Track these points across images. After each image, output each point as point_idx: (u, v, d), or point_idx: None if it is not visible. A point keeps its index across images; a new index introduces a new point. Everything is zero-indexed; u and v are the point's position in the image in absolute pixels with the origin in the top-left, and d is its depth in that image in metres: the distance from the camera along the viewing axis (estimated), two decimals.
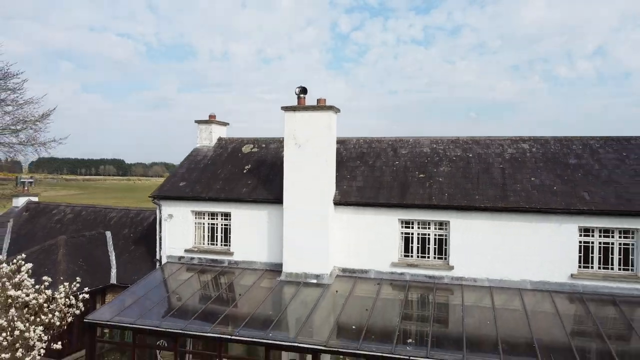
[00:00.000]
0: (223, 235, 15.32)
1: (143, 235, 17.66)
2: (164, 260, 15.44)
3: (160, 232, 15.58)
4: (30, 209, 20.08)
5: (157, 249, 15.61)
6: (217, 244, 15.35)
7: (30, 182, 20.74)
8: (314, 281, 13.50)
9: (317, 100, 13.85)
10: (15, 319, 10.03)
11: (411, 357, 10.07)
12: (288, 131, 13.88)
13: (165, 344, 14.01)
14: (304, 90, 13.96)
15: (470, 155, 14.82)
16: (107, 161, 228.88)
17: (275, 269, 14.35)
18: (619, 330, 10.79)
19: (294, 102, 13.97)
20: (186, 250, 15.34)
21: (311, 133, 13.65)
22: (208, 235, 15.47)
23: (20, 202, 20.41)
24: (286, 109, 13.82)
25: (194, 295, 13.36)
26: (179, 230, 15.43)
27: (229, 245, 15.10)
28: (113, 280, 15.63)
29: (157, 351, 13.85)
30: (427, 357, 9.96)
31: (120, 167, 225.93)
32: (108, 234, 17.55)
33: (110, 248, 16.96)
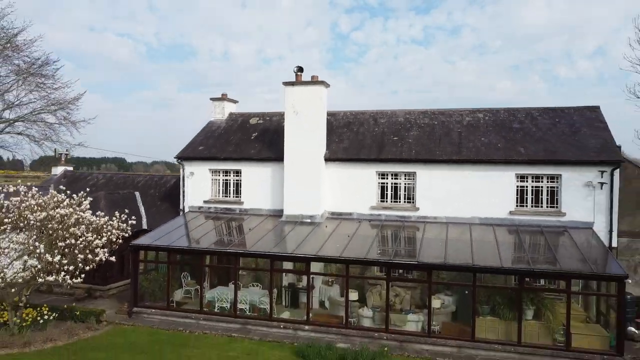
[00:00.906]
0: (234, 188, 19.03)
1: (166, 195, 21.38)
2: (186, 210, 19.16)
3: (183, 187, 19.31)
4: (68, 176, 23.81)
5: (181, 201, 19.34)
6: (229, 196, 19.07)
7: (66, 154, 24.47)
8: (308, 221, 17.18)
9: (311, 77, 17.55)
10: (86, 231, 13.77)
11: (379, 260, 13.80)
12: (288, 102, 17.60)
13: (189, 275, 17.76)
14: (300, 69, 17.67)
15: (436, 122, 18.52)
16: (109, 160, 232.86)
17: (277, 214, 18.03)
18: (543, 252, 14.41)
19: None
20: (204, 201, 19.05)
21: (306, 103, 17.37)
22: (222, 189, 19.19)
23: (58, 170, 24.16)
24: (286, 84, 17.55)
25: (212, 231, 17.09)
26: (198, 185, 19.15)
27: (240, 197, 18.81)
28: (144, 226, 19.29)
29: (183, 279, 17.51)
30: (391, 260, 13.69)
31: (122, 166, 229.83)
32: (137, 193, 21.24)
33: (140, 203, 20.65)
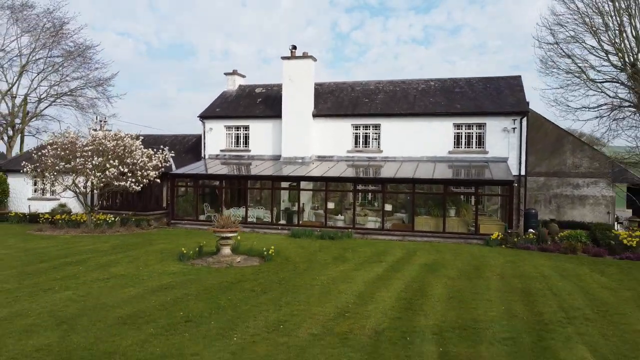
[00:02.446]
0: (244, 140, 25.40)
1: (189, 149, 27.74)
2: (206, 157, 25.54)
3: (204, 139, 25.69)
4: None
5: (202, 150, 25.72)
6: (240, 146, 25.44)
7: (106, 122, 30.83)
8: (300, 160, 23.53)
9: (303, 52, 23.96)
10: (141, 155, 20.18)
11: (349, 176, 20.17)
12: (285, 72, 23.97)
13: (209, 205, 24.07)
14: (294, 47, 24.08)
15: (398, 89, 24.89)
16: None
17: (277, 158, 24.36)
18: (465, 174, 20.73)
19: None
20: (220, 150, 25.42)
21: (299, 72, 23.74)
22: (234, 141, 25.56)
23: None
24: (284, 58, 23.95)
25: (227, 167, 23.48)
26: (216, 138, 25.51)
27: (248, 146, 25.17)
28: (173, 169, 25.64)
29: (205, 207, 23.81)
30: (357, 176, 20.06)
31: None
32: (166, 148, 27.59)
33: (168, 155, 26.99)
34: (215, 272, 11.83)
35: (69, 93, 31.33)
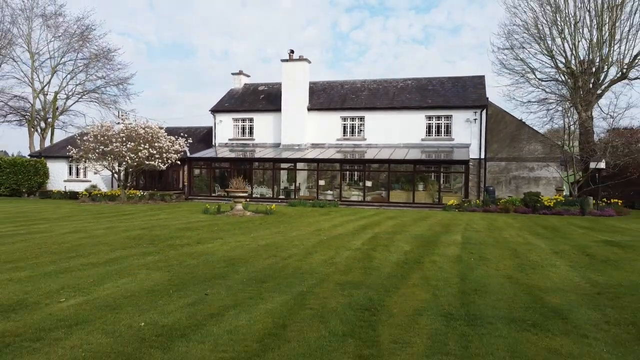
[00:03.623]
0: (249, 130, 30.37)
1: (201, 139, 32.71)
2: (216, 145, 30.50)
3: (214, 130, 30.66)
4: None
5: (213, 139, 30.70)
6: (245, 135, 30.41)
7: (126, 114, 35.83)
8: (297, 147, 28.48)
9: (299, 56, 28.95)
10: (165, 141, 25.20)
11: (337, 158, 25.13)
12: (284, 73, 28.95)
13: (219, 185, 29.04)
14: (292, 51, 29.07)
15: (380, 87, 29.85)
16: None
17: (277, 145, 29.32)
18: (432, 159, 25.64)
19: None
20: (229, 139, 30.39)
21: (295, 73, 28.72)
22: (240, 131, 30.53)
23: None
24: (283, 60, 28.93)
25: (235, 152, 28.46)
26: (225, 128, 30.48)
27: (252, 135, 30.14)
28: (188, 155, 30.59)
29: (215, 187, 28.73)
30: (344, 157, 25.02)
31: None
32: (185, 136, 32.56)
33: (184, 142, 31.97)
34: (232, 218, 16.77)
35: (94, 91, 36.39)
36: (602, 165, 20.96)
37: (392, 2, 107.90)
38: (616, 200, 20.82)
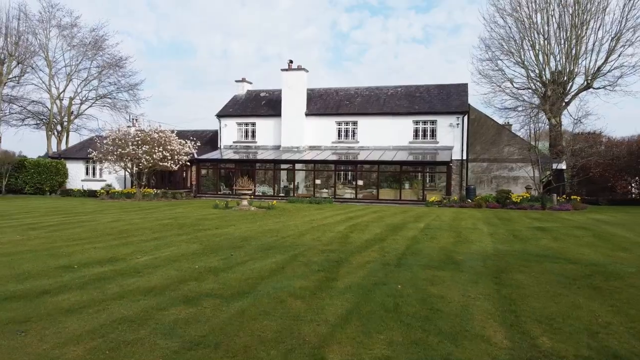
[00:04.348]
0: (252, 134, 33.68)
1: (207, 141, 36.03)
2: (222, 147, 33.84)
3: (220, 133, 34.00)
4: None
5: (218, 142, 34.02)
6: (248, 138, 33.73)
7: (137, 118, 39.15)
8: (295, 149, 31.80)
9: (298, 65, 32.27)
10: (177, 144, 28.56)
11: (332, 159, 28.44)
12: (283, 81, 32.27)
13: (224, 184, 32.37)
14: (291, 61, 32.39)
15: (372, 94, 33.15)
16: None
17: (277, 148, 32.64)
18: (419, 157, 28.95)
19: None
20: (233, 142, 33.72)
21: (294, 81, 32.04)
22: (244, 134, 33.86)
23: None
24: (282, 70, 32.26)
25: (239, 154, 31.79)
26: (229, 132, 33.80)
27: (255, 139, 33.46)
28: (195, 157, 33.90)
29: (220, 186, 32.04)
30: (338, 159, 28.34)
31: None
32: (188, 140, 35.89)
33: (192, 145, 35.30)
34: (239, 212, 20.10)
35: (106, 96, 39.75)
36: (563, 166, 24.25)
37: (392, 1, 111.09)
38: (575, 197, 24.10)
